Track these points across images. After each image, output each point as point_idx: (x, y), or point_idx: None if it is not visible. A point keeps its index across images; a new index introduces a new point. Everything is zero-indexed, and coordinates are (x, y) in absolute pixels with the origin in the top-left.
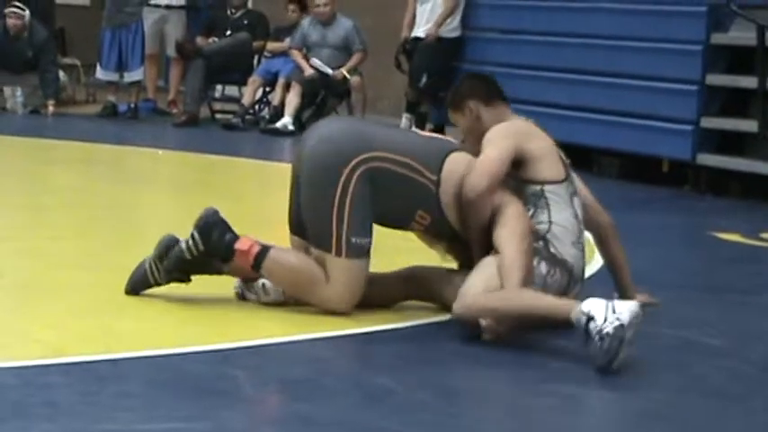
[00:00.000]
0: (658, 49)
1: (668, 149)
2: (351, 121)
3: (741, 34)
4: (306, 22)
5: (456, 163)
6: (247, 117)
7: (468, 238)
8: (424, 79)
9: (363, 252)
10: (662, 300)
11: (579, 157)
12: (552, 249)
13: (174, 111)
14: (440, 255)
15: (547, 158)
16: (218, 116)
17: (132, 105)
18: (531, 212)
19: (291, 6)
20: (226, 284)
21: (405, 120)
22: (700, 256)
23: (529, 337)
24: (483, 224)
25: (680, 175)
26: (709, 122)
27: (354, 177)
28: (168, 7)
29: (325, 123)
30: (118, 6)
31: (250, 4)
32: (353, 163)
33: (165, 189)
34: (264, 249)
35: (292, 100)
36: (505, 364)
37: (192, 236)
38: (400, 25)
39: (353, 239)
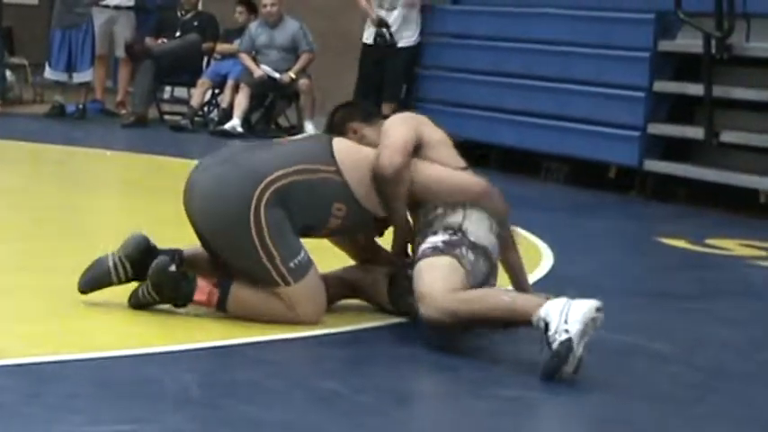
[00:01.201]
0: (606, 55)
1: (615, 155)
2: (228, 164)
3: (688, 41)
4: (253, 24)
5: (347, 148)
6: (196, 119)
7: (392, 221)
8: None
9: (305, 267)
10: (608, 305)
11: (527, 162)
12: (472, 238)
13: (123, 112)
14: (349, 255)
15: (445, 146)
16: (166, 117)
17: (80, 106)
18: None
19: (239, 8)
20: None
21: (310, 127)
22: (646, 261)
23: (476, 340)
24: (404, 201)
25: (627, 180)
26: (655, 129)
27: (261, 210)
28: (117, 8)
29: (204, 179)
30: (68, 7)
31: (200, 6)
32: (254, 200)
33: (113, 191)
34: (223, 294)
35: (241, 102)
36: (453, 368)
37: (147, 287)
38: (351, 28)
39: (291, 264)
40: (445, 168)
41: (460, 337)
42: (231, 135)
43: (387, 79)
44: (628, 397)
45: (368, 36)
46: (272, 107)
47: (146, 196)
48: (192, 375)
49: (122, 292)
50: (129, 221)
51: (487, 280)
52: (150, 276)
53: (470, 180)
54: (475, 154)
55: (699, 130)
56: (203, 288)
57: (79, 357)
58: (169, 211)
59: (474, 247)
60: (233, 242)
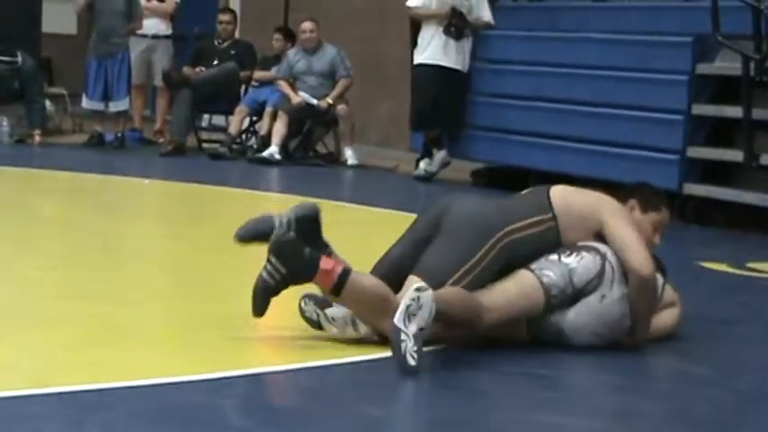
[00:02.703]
0: (644, 79)
1: (655, 179)
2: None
3: (726, 64)
4: (291, 51)
5: (563, 193)
6: (234, 146)
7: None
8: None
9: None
10: None
11: None
12: None
13: (161, 140)
14: None
15: None
16: (204, 146)
17: (119, 135)
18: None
19: (277, 36)
20: (210, 312)
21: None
22: (687, 285)
23: (512, 367)
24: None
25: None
26: (694, 152)
27: (496, 248)
28: (155, 37)
29: (466, 196)
30: (104, 36)
31: (237, 35)
32: (497, 236)
33: (152, 219)
34: (345, 274)
35: (279, 129)
36: (489, 394)
37: (272, 262)
38: (387, 54)
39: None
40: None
41: (507, 363)
42: (269, 162)
43: (447, 103)
44: (669, 421)
45: (426, 56)
46: (310, 134)
47: (185, 224)
48: (231, 402)
49: (166, 319)
50: (169, 248)
51: None
52: (274, 244)
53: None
54: (515, 179)
55: (738, 153)
56: (328, 261)
57: (119, 386)
58: (209, 237)
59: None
60: (463, 242)
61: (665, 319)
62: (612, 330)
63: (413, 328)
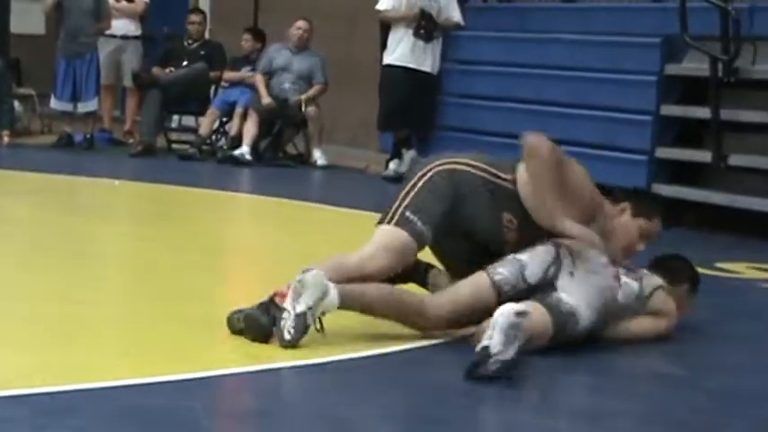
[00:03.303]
0: (613, 79)
1: (623, 179)
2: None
3: (695, 65)
4: (274, 47)
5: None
6: (204, 147)
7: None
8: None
9: (413, 229)
10: None
11: None
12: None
13: (131, 141)
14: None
15: None
16: (174, 146)
17: (88, 136)
18: None
19: (246, 36)
20: (183, 314)
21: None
22: None
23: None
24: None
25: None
26: (663, 152)
27: (433, 170)
28: (124, 38)
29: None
30: (72, 36)
31: (207, 35)
32: (436, 162)
33: (121, 220)
34: None
35: (250, 129)
36: (463, 394)
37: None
38: (359, 55)
39: (407, 213)
40: None
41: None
42: (239, 162)
43: (416, 105)
44: (641, 421)
45: (395, 57)
46: (279, 135)
47: (154, 225)
48: (203, 404)
49: (132, 321)
50: (137, 249)
51: None
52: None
53: None
54: None
55: (707, 154)
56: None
57: (86, 387)
58: (178, 238)
59: None
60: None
61: (645, 325)
62: (606, 299)
63: (299, 308)
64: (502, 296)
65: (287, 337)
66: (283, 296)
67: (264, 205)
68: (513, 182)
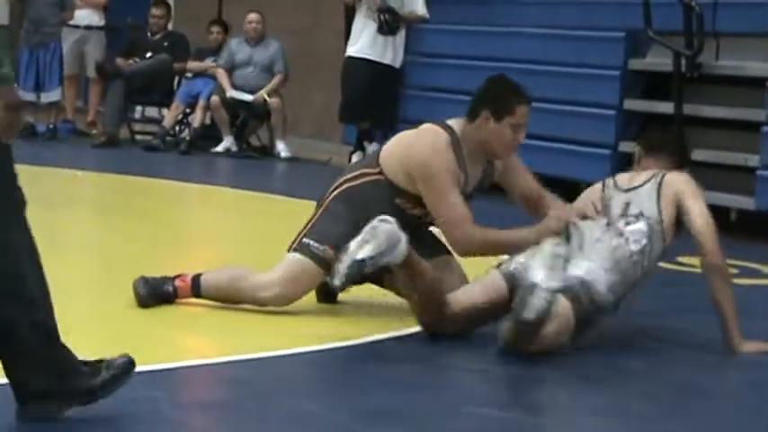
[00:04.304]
0: (577, 74)
1: (587, 173)
2: None
3: (658, 60)
4: (234, 41)
5: (388, 146)
6: (167, 138)
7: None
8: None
9: (314, 256)
10: None
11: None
12: None
13: (94, 132)
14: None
15: None
16: (137, 137)
17: (51, 126)
18: None
19: (215, 28)
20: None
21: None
22: None
23: (450, 360)
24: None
25: None
26: (627, 147)
27: (330, 198)
28: (88, 28)
29: None
30: (35, 26)
31: (170, 26)
32: (332, 189)
33: (84, 210)
34: (196, 277)
35: (223, 117)
36: (425, 387)
37: None
38: (322, 46)
39: (307, 241)
40: None
41: (447, 355)
42: (230, 155)
43: (377, 97)
44: (603, 414)
45: (356, 49)
46: (243, 127)
47: (118, 215)
48: (164, 394)
49: (96, 309)
50: (101, 239)
51: None
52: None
53: None
54: None
55: None
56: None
57: None
58: (141, 229)
59: None
60: None
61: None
62: (625, 262)
63: (361, 254)
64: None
65: (336, 282)
66: (183, 281)
67: (227, 196)
68: (380, 171)
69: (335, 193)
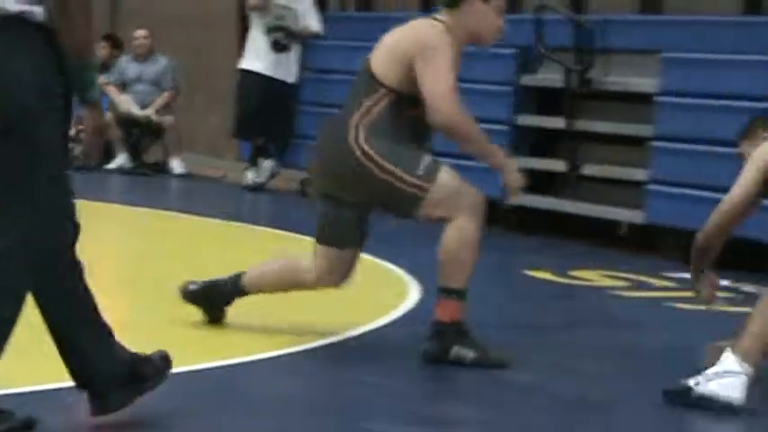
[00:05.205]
0: (469, 89)
1: (481, 188)
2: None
3: (549, 76)
4: (124, 58)
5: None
6: None
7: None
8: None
9: (436, 168)
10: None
11: None
12: None
13: None
14: None
15: None
16: None
17: None
18: None
19: (103, 44)
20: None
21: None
22: (512, 293)
23: (345, 374)
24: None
25: (491, 213)
26: (519, 162)
27: (361, 139)
28: None
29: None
30: None
31: None
32: (352, 133)
33: None
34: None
35: (116, 133)
36: (316, 403)
37: None
38: (217, 63)
39: (419, 171)
40: None
41: (340, 370)
42: (124, 173)
43: (271, 113)
44: (493, 428)
45: (250, 64)
46: (137, 143)
47: None
48: (52, 415)
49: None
50: None
51: None
52: None
53: None
54: None
55: (561, 163)
56: None
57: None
58: None
59: None
60: (355, 179)
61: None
62: None
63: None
64: None
65: None
66: None
67: (121, 213)
68: (385, 91)
69: (362, 137)
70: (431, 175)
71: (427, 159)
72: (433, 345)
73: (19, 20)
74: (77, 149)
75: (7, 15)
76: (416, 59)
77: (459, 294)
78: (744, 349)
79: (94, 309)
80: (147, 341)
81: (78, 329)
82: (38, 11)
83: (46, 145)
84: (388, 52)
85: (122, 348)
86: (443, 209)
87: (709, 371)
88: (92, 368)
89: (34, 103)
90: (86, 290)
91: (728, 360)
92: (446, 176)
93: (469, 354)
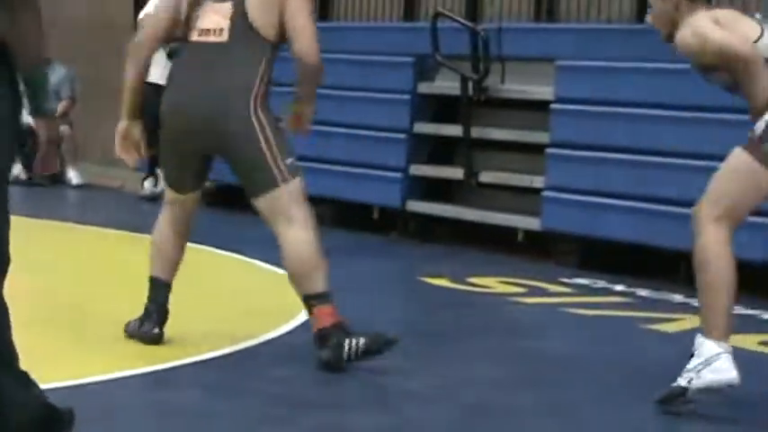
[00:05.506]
0: (367, 98)
1: (378, 197)
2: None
3: (446, 84)
4: None
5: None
6: None
7: None
8: None
9: (297, 169)
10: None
11: None
12: None
13: None
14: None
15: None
16: None
17: None
18: None
19: None
20: None
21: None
22: (410, 301)
23: (239, 384)
24: None
25: (390, 221)
26: (417, 170)
27: (261, 116)
28: None
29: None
30: None
31: None
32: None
33: None
34: None
35: None
36: (218, 415)
37: None
38: (114, 72)
39: (288, 161)
40: None
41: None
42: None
43: None
44: None
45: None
46: (33, 153)
47: None
48: None
49: None
50: None
51: None
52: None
53: None
54: (240, 197)
55: (459, 171)
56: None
57: None
58: None
59: None
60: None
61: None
62: None
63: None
64: None
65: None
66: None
67: (15, 225)
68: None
69: (257, 108)
70: (295, 170)
71: (293, 156)
72: (326, 350)
73: None
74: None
75: None
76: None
77: (328, 297)
78: (712, 328)
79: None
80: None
81: None
82: None
83: None
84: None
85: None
86: (287, 206)
87: (693, 363)
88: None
89: None
90: None
91: (706, 346)
92: (301, 183)
93: (361, 339)
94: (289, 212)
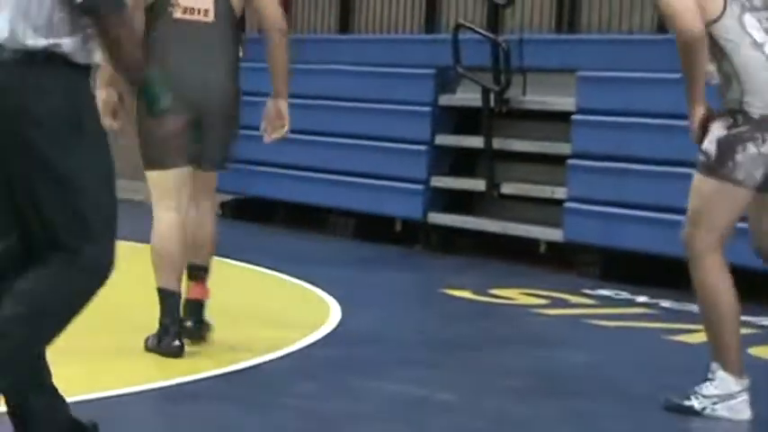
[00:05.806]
0: (388, 110)
1: (400, 209)
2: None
3: (468, 95)
4: None
5: None
6: None
7: None
8: None
9: None
10: (396, 357)
11: (314, 218)
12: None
13: None
14: None
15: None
16: None
17: None
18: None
19: None
20: None
21: None
22: (432, 313)
23: (260, 397)
24: None
25: (412, 234)
26: (438, 182)
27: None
28: None
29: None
30: None
31: None
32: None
33: None
34: None
35: None
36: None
37: None
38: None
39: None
40: None
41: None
42: None
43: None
44: None
45: None
46: None
47: None
48: None
49: None
50: None
51: None
52: None
53: None
54: (261, 210)
55: (480, 183)
56: None
57: None
58: None
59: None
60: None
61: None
62: None
63: None
64: None
65: None
66: None
67: None
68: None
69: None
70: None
71: None
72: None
73: (46, 56)
74: None
75: (34, 51)
76: None
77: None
78: (728, 363)
79: None
80: None
81: None
82: (67, 43)
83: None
84: None
85: None
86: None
87: (708, 391)
88: None
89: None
90: None
91: (725, 381)
92: None
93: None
94: (210, 193)
